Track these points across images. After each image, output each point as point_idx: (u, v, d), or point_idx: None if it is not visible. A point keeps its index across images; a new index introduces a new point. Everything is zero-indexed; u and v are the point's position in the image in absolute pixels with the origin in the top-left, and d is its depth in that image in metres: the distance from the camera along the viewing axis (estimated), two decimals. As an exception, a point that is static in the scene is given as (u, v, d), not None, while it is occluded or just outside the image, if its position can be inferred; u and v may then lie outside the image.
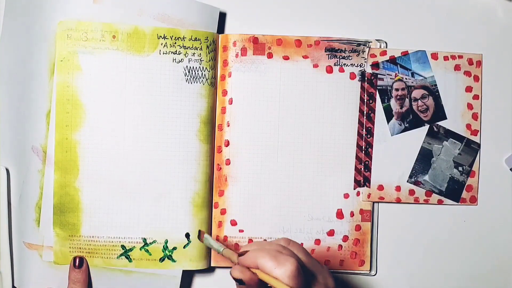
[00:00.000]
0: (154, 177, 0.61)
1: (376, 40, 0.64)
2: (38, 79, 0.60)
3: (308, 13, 0.64)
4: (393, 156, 0.64)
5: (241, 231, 0.63)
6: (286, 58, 0.63)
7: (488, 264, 0.66)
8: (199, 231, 0.61)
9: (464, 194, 0.65)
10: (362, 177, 0.64)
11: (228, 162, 0.63)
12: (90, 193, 0.60)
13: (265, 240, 0.62)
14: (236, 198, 0.63)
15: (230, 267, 0.63)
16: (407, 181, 0.64)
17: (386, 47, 0.64)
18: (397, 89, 0.64)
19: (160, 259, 0.61)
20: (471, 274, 0.66)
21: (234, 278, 0.48)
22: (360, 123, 0.64)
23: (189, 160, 0.61)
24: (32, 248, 0.60)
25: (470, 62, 0.65)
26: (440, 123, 0.64)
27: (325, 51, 0.63)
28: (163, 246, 0.61)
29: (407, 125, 0.64)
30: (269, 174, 0.63)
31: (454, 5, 0.65)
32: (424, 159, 0.64)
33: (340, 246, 0.64)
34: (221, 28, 0.64)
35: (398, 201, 0.64)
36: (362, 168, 0.64)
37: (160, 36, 0.60)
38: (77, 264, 0.59)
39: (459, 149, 0.65)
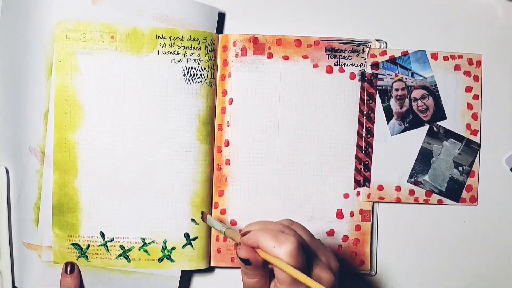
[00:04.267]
0: (153, 177, 0.61)
1: (376, 40, 0.64)
2: (36, 79, 0.59)
3: (308, 13, 0.64)
4: (393, 156, 0.64)
5: (241, 231, 0.63)
6: (286, 58, 0.63)
7: (488, 264, 0.66)
8: (202, 212, 0.61)
9: (464, 194, 0.65)
10: (362, 177, 0.64)
11: (228, 162, 0.63)
12: (89, 193, 0.60)
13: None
14: (236, 198, 0.63)
15: (230, 267, 0.64)
16: (407, 181, 0.64)
17: (386, 47, 0.64)
18: (397, 89, 0.64)
19: (159, 259, 0.61)
20: (471, 274, 0.66)
21: (240, 258, 0.48)
22: (360, 123, 0.64)
23: (188, 160, 0.61)
24: (31, 248, 0.60)
25: (470, 62, 0.65)
26: (440, 123, 0.64)
27: (325, 51, 0.63)
28: (162, 246, 0.61)
29: (407, 125, 0.64)
30: (269, 174, 0.63)
31: (454, 5, 0.65)
32: (424, 159, 0.64)
33: (340, 246, 0.64)
34: (220, 28, 0.63)
35: (398, 201, 0.64)
36: (362, 168, 0.64)
37: (158, 37, 0.60)
38: (68, 270, 0.59)
39: (459, 149, 0.65)
